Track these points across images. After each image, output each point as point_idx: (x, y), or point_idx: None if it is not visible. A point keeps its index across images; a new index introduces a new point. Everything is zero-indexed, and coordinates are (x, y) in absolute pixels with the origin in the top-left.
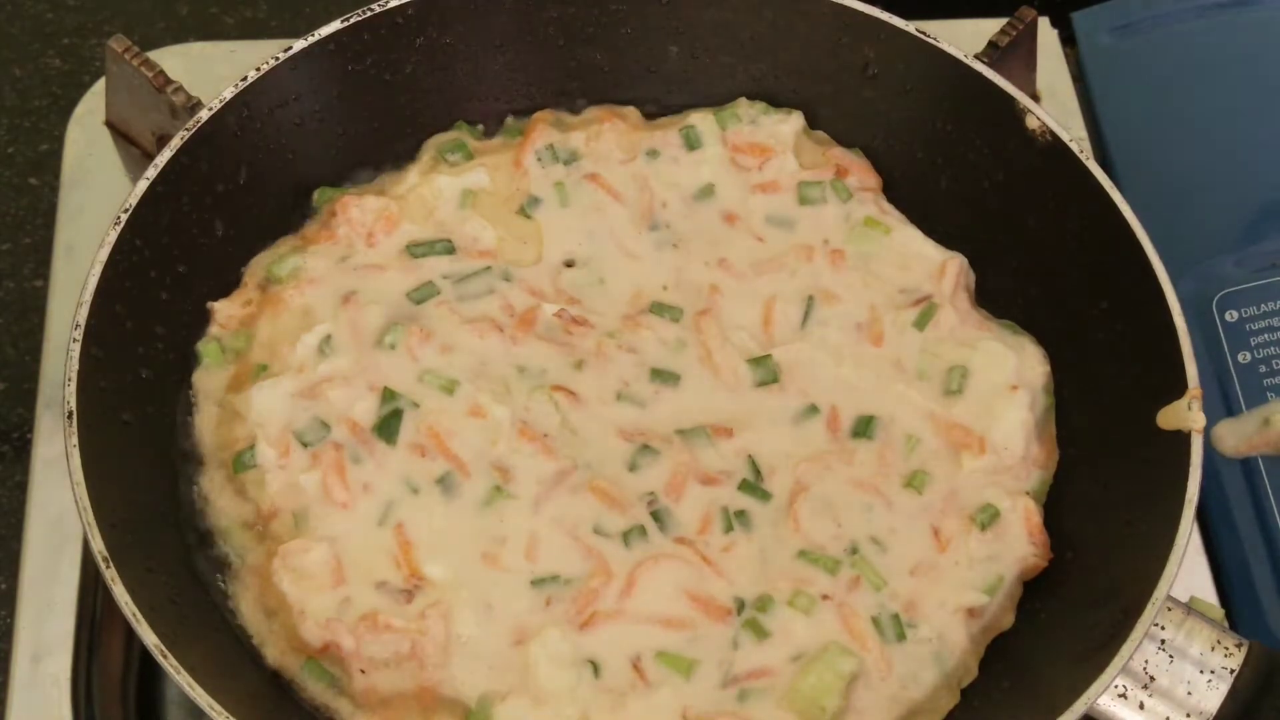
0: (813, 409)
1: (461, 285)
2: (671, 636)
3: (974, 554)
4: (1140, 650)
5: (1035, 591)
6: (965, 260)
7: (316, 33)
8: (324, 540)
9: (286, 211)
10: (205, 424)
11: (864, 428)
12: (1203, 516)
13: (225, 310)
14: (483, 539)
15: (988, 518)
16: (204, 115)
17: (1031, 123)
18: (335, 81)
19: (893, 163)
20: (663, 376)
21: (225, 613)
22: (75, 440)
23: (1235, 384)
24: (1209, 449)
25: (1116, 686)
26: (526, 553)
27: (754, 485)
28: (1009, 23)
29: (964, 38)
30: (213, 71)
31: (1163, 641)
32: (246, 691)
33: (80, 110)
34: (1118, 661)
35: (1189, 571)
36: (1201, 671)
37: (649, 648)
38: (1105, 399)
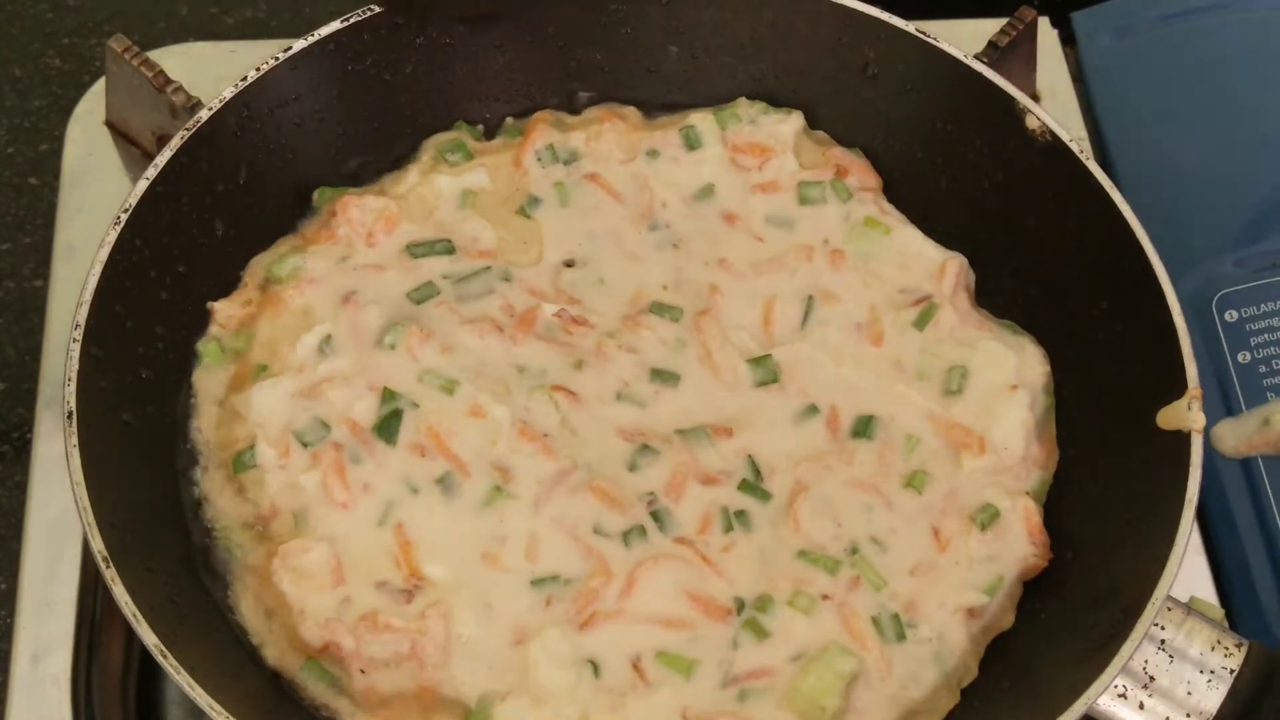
0: (812, 409)
1: (461, 285)
2: (671, 636)
3: (974, 554)
4: (1140, 650)
5: (1035, 591)
6: (965, 260)
7: (316, 32)
8: (324, 540)
9: (286, 211)
10: (205, 424)
11: (864, 428)
12: (1203, 516)
13: (225, 310)
14: (483, 539)
15: (988, 518)
16: (204, 115)
17: (1031, 123)
18: (335, 81)
19: (893, 163)
20: (663, 376)
21: (225, 612)
22: (75, 440)
23: (1235, 384)
24: (1209, 449)
25: (1116, 686)
26: (526, 553)
27: (754, 485)
28: (1009, 23)
29: (964, 38)
30: (213, 71)
31: (1163, 641)
32: (246, 691)
33: (80, 110)
34: (1118, 661)
35: (1189, 571)
36: (1201, 671)
37: (649, 648)
38: (1105, 399)
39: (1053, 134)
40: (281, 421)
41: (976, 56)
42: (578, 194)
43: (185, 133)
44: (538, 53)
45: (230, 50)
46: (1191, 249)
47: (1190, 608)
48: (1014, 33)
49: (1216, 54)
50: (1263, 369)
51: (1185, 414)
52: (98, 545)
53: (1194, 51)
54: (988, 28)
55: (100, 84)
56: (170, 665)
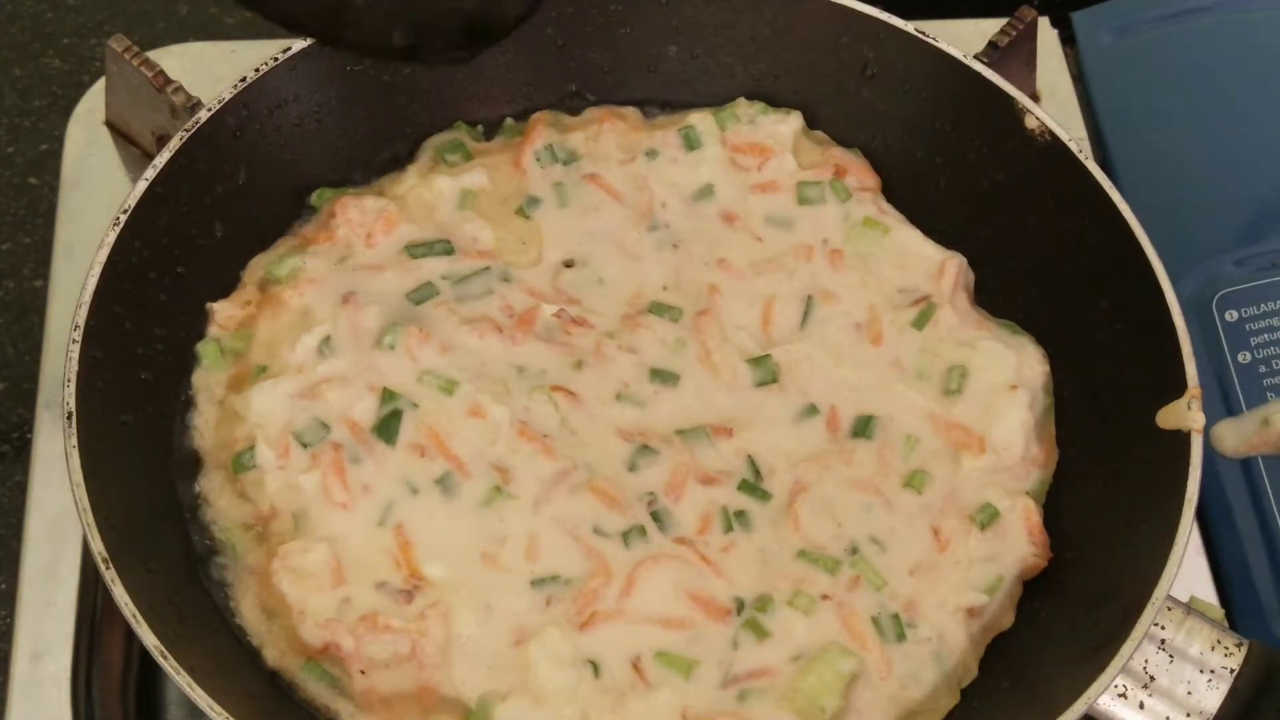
0: (812, 409)
1: (460, 286)
2: (671, 636)
3: (974, 554)
4: (1140, 650)
5: (1035, 591)
6: (964, 260)
7: None
8: (323, 541)
9: (285, 212)
10: (204, 425)
11: (863, 427)
12: (1203, 516)
13: (224, 311)
14: (482, 539)
15: (987, 518)
16: (203, 116)
17: (1030, 122)
18: (334, 82)
19: (892, 163)
20: (662, 376)
21: (225, 613)
22: (75, 441)
23: (1235, 384)
24: (1209, 449)
25: (1116, 686)
26: (526, 553)
27: (754, 485)
28: (1009, 23)
29: (964, 38)
30: (213, 71)
31: (1163, 641)
32: (246, 692)
33: (80, 110)
34: (1118, 661)
35: (1189, 571)
36: (1201, 671)
37: (649, 648)
38: (1105, 399)
39: (1052, 134)
40: (281, 422)
41: (976, 56)
42: (577, 194)
43: (184, 134)
44: (537, 53)
45: (230, 50)
46: (1191, 249)
47: (1190, 608)
48: (1014, 33)
49: (1216, 54)
50: (1263, 369)
51: (1185, 414)
52: (97, 546)
53: (1194, 51)
54: (988, 28)
55: (100, 84)
56: (170, 666)
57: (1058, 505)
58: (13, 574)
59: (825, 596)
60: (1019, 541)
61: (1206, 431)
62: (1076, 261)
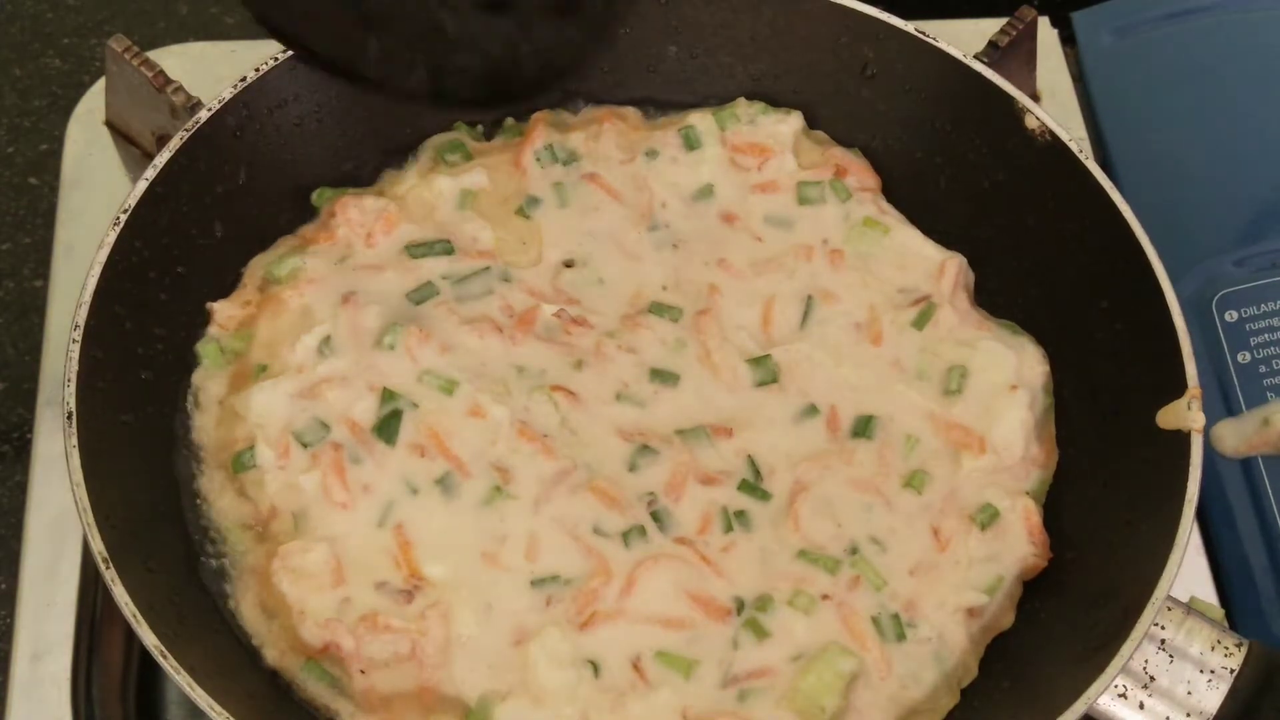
0: (812, 409)
1: (460, 286)
2: (671, 636)
3: (974, 554)
4: (1140, 650)
5: (1035, 591)
6: (964, 260)
7: None
8: (323, 540)
9: (286, 212)
10: (205, 424)
11: (863, 427)
12: (1203, 516)
13: (225, 311)
14: (482, 539)
15: (987, 518)
16: (203, 116)
17: (1031, 122)
18: (335, 82)
19: (892, 163)
20: (662, 376)
21: (225, 613)
22: (75, 441)
23: (1235, 384)
24: (1209, 449)
25: (1116, 686)
26: (526, 553)
27: (754, 485)
28: (1009, 23)
29: (964, 38)
30: (213, 71)
31: (1163, 641)
32: (246, 692)
33: (80, 110)
34: (1118, 661)
35: (1189, 571)
36: (1201, 671)
37: (649, 647)
38: (1105, 399)
39: (1052, 134)
40: (281, 422)
41: (976, 56)
42: (577, 194)
43: (184, 133)
44: None
45: (230, 50)
46: (1191, 249)
47: (1190, 608)
48: (1014, 32)
49: (1216, 54)
50: (1263, 369)
51: (1185, 414)
52: (97, 545)
53: (1194, 51)
54: (988, 28)
55: (100, 84)
56: (170, 665)
57: (1058, 505)
58: (13, 574)
59: (825, 596)
60: (1019, 541)
61: (1206, 431)
62: (1077, 261)
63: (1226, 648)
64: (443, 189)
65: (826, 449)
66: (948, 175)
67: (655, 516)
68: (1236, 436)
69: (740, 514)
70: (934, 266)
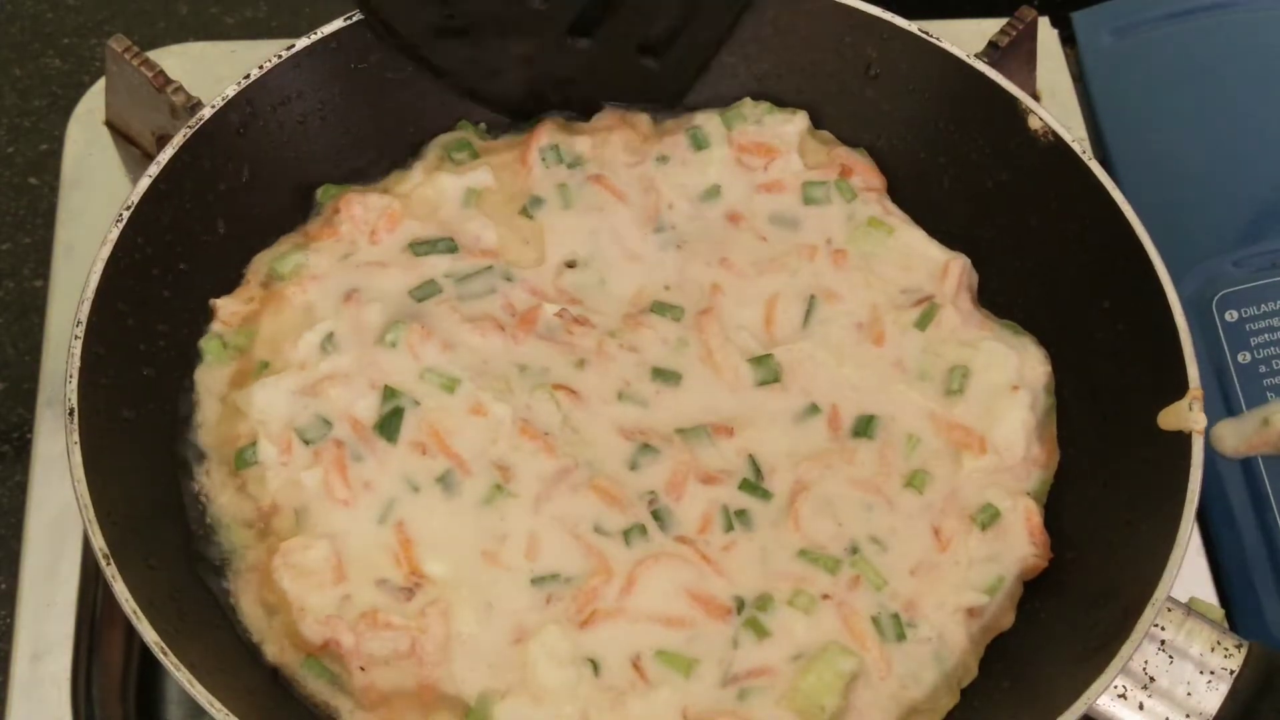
0: (814, 408)
1: (463, 284)
2: (671, 635)
3: (974, 554)
4: (1140, 650)
5: (1035, 591)
6: (968, 261)
7: (319, 30)
8: (324, 537)
9: (289, 209)
10: (207, 421)
11: (865, 427)
12: (1203, 516)
13: (227, 307)
14: (483, 537)
15: (988, 518)
16: (207, 113)
17: (1034, 123)
18: (338, 79)
19: (895, 162)
20: (664, 376)
21: (225, 610)
22: (76, 437)
23: (1235, 384)
24: (1209, 449)
25: (1116, 687)
26: (527, 551)
27: (754, 484)
28: (1009, 23)
29: (965, 38)
30: (213, 71)
31: (1163, 642)
32: (246, 688)
33: (80, 110)
34: (1118, 662)
35: (1189, 571)
36: (1201, 672)
37: (649, 646)
38: (1106, 399)
39: (1055, 134)
40: (283, 419)
41: (976, 56)
42: (581, 195)
43: (188, 130)
44: None
45: (230, 50)
46: (1192, 249)
47: (1190, 608)
48: (1014, 33)
49: (1216, 54)
50: (1263, 369)
51: (1186, 414)
52: (98, 542)
53: (1194, 51)
54: (988, 28)
55: (100, 84)
56: (170, 662)
57: (1058, 505)
58: (13, 574)
59: (825, 596)
60: (1019, 542)
61: (1207, 432)
62: (1078, 261)
63: (1226, 649)
64: (447, 187)
65: (827, 448)
66: (951, 175)
67: (656, 515)
68: (1236, 436)
69: (741, 513)
70: (937, 267)
